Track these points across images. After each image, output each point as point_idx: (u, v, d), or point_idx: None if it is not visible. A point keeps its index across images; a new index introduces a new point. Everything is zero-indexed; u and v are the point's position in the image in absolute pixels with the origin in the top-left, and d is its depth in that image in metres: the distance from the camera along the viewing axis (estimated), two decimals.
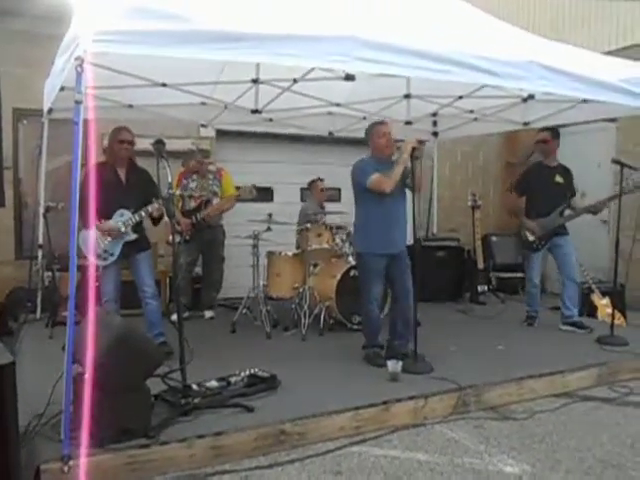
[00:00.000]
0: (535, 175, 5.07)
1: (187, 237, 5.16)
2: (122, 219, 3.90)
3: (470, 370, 3.70)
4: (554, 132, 5.04)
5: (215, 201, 5.21)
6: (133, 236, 3.95)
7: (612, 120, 6.44)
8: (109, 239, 3.90)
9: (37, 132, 5.20)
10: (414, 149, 3.76)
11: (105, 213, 3.79)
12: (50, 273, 5.08)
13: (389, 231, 3.90)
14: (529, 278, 5.15)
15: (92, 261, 3.78)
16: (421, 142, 3.85)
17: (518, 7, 8.31)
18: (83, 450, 2.41)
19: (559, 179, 4.99)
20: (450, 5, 4.16)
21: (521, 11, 8.31)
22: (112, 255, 3.92)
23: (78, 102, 2.47)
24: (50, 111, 4.57)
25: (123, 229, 3.90)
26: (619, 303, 5.45)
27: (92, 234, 3.81)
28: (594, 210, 4.91)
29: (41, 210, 5.07)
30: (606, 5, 7.38)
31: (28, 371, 3.43)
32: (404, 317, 3.93)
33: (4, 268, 5.67)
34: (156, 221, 4.05)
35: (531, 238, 5.00)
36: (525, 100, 4.88)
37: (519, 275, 7.20)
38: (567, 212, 4.99)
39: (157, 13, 2.57)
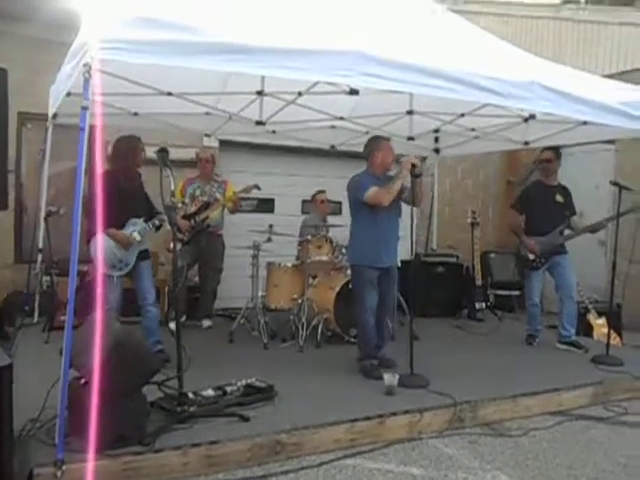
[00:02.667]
0: (535, 193, 5.10)
1: (185, 239, 5.18)
2: (137, 228, 3.90)
3: (466, 386, 3.70)
4: (557, 152, 5.08)
5: (216, 205, 5.26)
6: (146, 245, 3.96)
7: (611, 142, 6.51)
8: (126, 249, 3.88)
9: (41, 136, 5.23)
10: (414, 166, 3.80)
11: (119, 222, 3.79)
12: (49, 277, 5.09)
13: (382, 245, 3.99)
14: (529, 297, 5.13)
15: (110, 270, 3.78)
16: (421, 160, 3.89)
17: (520, 29, 8.43)
18: (77, 455, 2.41)
19: (559, 198, 5.03)
20: (454, 25, 4.24)
21: (523, 33, 8.44)
22: (127, 265, 3.90)
23: (85, 108, 2.50)
24: (55, 116, 4.62)
25: (139, 238, 3.88)
26: (615, 323, 5.47)
27: (108, 242, 3.78)
28: (593, 230, 4.93)
29: (42, 214, 5.08)
30: (607, 29, 7.50)
31: (24, 375, 3.40)
32: (380, 327, 4.10)
33: (3, 271, 5.67)
34: (158, 228, 4.06)
35: (531, 257, 5.00)
36: (526, 120, 4.93)
37: (516, 293, 7.23)
38: (567, 231, 5.02)
39: (165, 24, 2.63)
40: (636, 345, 5.39)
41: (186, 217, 5.20)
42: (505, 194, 8.50)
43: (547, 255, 4.97)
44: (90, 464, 2.42)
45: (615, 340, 5.26)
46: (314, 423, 3.01)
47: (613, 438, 3.35)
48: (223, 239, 5.54)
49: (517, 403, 3.62)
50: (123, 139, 4.00)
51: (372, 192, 3.87)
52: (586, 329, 5.59)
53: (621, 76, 5.67)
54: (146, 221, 3.92)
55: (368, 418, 3.14)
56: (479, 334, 5.68)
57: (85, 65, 2.49)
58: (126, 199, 3.78)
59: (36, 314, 5.23)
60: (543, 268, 5.04)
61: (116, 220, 3.65)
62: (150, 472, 2.58)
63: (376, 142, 4.15)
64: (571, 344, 4.94)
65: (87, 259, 3.75)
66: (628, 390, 4.08)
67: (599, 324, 5.62)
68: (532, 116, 4.73)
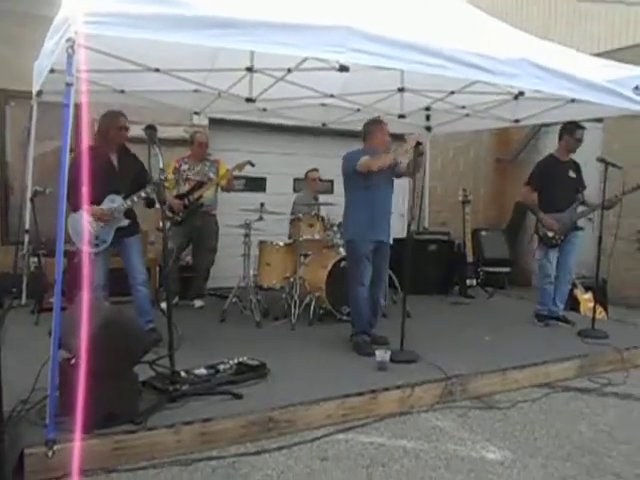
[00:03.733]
0: (550, 169, 4.97)
1: (178, 218, 5.14)
2: (113, 205, 3.87)
3: (456, 361, 3.76)
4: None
5: (209, 184, 5.22)
6: (125, 222, 3.92)
7: (599, 120, 6.52)
8: (101, 224, 3.85)
9: (25, 114, 5.12)
10: (418, 144, 3.87)
11: (96, 198, 3.74)
12: (36, 259, 5.04)
13: (376, 219, 4.05)
14: (546, 274, 4.98)
15: (87, 246, 3.74)
16: (419, 144, 3.93)
17: (509, 5, 8.35)
18: (68, 435, 2.42)
19: (572, 174, 4.98)
20: (444, 2, 4.17)
21: (512, 9, 8.36)
22: (104, 242, 3.87)
23: (69, 84, 2.44)
24: (39, 93, 4.50)
25: (115, 215, 3.87)
26: (601, 298, 5.55)
27: (84, 218, 3.75)
28: (608, 205, 4.76)
29: (28, 194, 5.00)
30: (596, 7, 7.45)
31: (13, 357, 3.38)
32: (374, 304, 4.16)
33: None
34: (150, 203, 4.02)
35: (550, 234, 4.90)
36: (516, 97, 4.91)
37: (506, 270, 7.31)
38: (580, 208, 4.96)
39: None
40: (620, 319, 5.49)
41: (179, 197, 5.17)
42: (495, 172, 8.52)
43: (565, 232, 4.90)
44: (81, 443, 2.43)
45: (601, 314, 5.36)
46: (307, 399, 3.05)
47: (597, 408, 3.44)
48: (217, 219, 5.51)
49: (506, 376, 3.69)
50: (104, 115, 3.95)
51: (363, 160, 3.95)
52: (573, 304, 5.67)
53: (610, 54, 5.66)
54: (126, 197, 3.87)
55: (360, 394, 3.19)
56: (470, 310, 5.74)
57: (68, 40, 2.42)
58: (105, 175, 3.73)
59: (24, 296, 5.20)
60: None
61: (93, 196, 3.60)
62: (143, 450, 2.61)
63: (373, 125, 4.20)
64: (558, 318, 5.01)
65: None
66: (612, 362, 4.18)
67: (586, 299, 5.71)
68: (521, 93, 4.71)
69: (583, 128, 4.90)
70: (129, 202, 3.86)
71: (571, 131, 4.89)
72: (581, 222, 5.06)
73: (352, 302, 4.20)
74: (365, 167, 3.94)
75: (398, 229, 4.29)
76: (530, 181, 5.04)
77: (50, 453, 2.39)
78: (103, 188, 3.77)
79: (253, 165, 5.14)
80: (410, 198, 7.54)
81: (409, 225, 4.02)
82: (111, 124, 3.89)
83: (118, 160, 3.97)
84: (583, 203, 4.98)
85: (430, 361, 3.69)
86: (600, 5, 7.50)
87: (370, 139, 4.14)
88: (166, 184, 4.06)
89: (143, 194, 3.82)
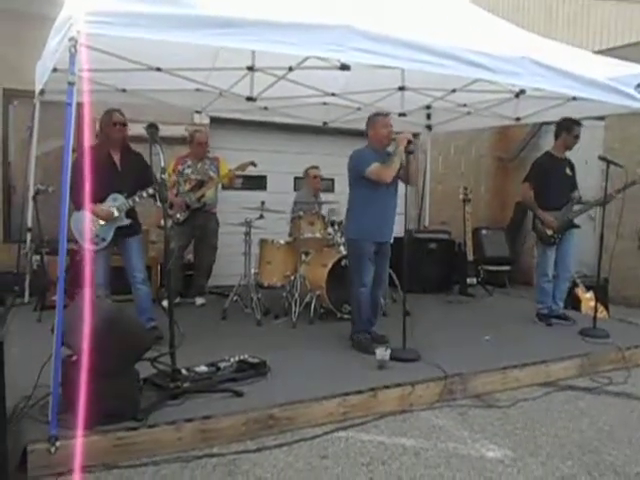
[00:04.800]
0: (548, 166, 4.93)
1: (180, 218, 5.15)
2: (116, 204, 3.88)
3: (457, 359, 3.76)
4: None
5: (211, 183, 5.23)
6: (127, 221, 3.94)
7: (600, 118, 6.51)
8: (102, 223, 3.87)
9: (28, 114, 5.15)
10: (409, 142, 3.83)
11: (98, 197, 3.76)
12: (39, 257, 5.06)
13: (381, 220, 4.02)
14: (544, 272, 4.95)
15: (88, 244, 3.77)
16: (414, 136, 3.90)
17: (511, 4, 8.35)
18: (70, 431, 2.44)
19: (568, 171, 4.97)
20: (445, 0, 4.17)
21: (515, 8, 8.36)
22: (104, 240, 3.90)
23: (71, 83, 2.46)
24: (42, 92, 4.53)
25: (117, 214, 3.88)
26: (602, 297, 5.55)
27: (86, 216, 3.77)
28: (603, 203, 4.73)
29: (30, 193, 5.03)
30: (597, 5, 7.45)
31: (16, 354, 3.41)
32: (375, 303, 4.15)
33: None
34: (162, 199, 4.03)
35: (549, 232, 4.87)
36: (517, 95, 4.92)
37: (507, 268, 7.31)
38: (577, 206, 4.94)
39: None
40: (622, 318, 5.49)
41: (180, 196, 5.17)
42: (496, 171, 8.52)
43: (564, 230, 4.88)
44: (83, 440, 2.45)
45: (602, 313, 5.36)
46: (307, 397, 3.06)
47: (598, 407, 3.44)
48: (217, 217, 5.52)
49: (506, 375, 3.70)
50: (103, 114, 3.97)
51: (374, 168, 3.90)
52: (574, 302, 5.67)
53: (611, 52, 5.65)
54: (129, 197, 3.89)
55: (360, 392, 3.19)
56: (471, 309, 5.75)
57: (71, 39, 2.43)
58: (106, 174, 3.75)
59: (27, 294, 5.22)
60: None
61: (95, 195, 3.62)
62: (144, 447, 2.62)
63: (372, 118, 4.15)
64: (558, 317, 5.01)
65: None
66: (613, 361, 4.18)
67: (587, 298, 5.71)
68: (522, 91, 4.72)
69: (580, 125, 4.88)
70: (131, 201, 3.88)
71: (569, 128, 4.86)
72: (582, 220, 5.05)
73: (353, 302, 4.20)
74: (378, 177, 3.88)
75: (398, 227, 4.28)
76: (528, 179, 5.01)
77: (52, 449, 2.40)
78: (105, 187, 3.79)
79: (255, 165, 5.15)
80: (410, 196, 7.58)
81: (405, 224, 3.99)
82: (106, 122, 3.92)
83: (121, 159, 3.98)
84: (579, 201, 4.97)
85: (430, 359, 3.69)
86: (602, 3, 7.50)
87: (370, 134, 4.09)
88: (167, 183, 4.08)
89: (145, 194, 3.83)
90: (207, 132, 5.76)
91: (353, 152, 4.11)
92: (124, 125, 3.95)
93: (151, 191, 3.81)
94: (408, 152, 3.86)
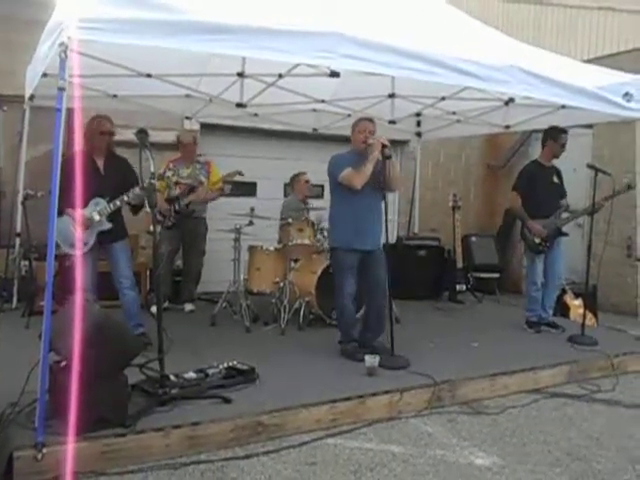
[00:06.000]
0: (536, 174, 4.96)
1: (169, 223, 5.13)
2: (97, 208, 3.86)
3: (445, 366, 3.77)
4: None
5: (200, 190, 5.21)
6: (108, 225, 3.90)
7: (589, 126, 6.59)
8: (82, 228, 3.83)
9: (17, 119, 5.11)
10: (384, 147, 3.79)
11: (80, 201, 3.74)
12: (27, 262, 5.02)
13: (361, 227, 3.93)
14: (533, 281, 4.97)
15: (69, 248, 3.74)
16: (404, 143, 3.89)
17: (500, 13, 8.46)
18: (57, 438, 2.42)
19: (556, 179, 5.01)
20: (435, 8, 4.22)
21: (503, 17, 8.47)
22: (85, 244, 3.86)
23: (61, 89, 2.46)
24: (32, 98, 4.51)
25: (97, 218, 3.84)
26: (591, 304, 5.60)
27: (67, 221, 3.74)
28: (592, 211, 4.76)
29: (20, 198, 4.99)
30: (586, 14, 7.56)
31: (3, 360, 3.39)
32: (377, 312, 4.02)
33: None
34: (136, 209, 4.01)
35: (538, 241, 4.87)
36: (506, 103, 4.97)
37: (496, 275, 7.35)
38: (565, 214, 4.97)
39: (144, 2, 2.58)
40: (610, 325, 5.54)
41: (169, 200, 5.16)
42: (485, 178, 8.59)
43: (552, 238, 4.89)
44: (70, 446, 2.43)
45: (591, 321, 5.40)
46: (295, 404, 3.05)
47: (586, 415, 3.46)
48: (206, 221, 5.51)
49: (495, 382, 3.71)
50: (89, 120, 3.95)
51: (345, 173, 3.86)
52: (563, 309, 5.71)
53: (599, 61, 5.73)
54: (111, 200, 3.87)
55: (349, 398, 3.19)
56: (460, 316, 5.77)
57: (61, 45, 2.43)
58: (90, 179, 3.72)
59: (15, 299, 5.17)
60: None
61: (77, 200, 3.60)
62: (131, 453, 2.60)
63: (354, 122, 4.13)
64: (547, 324, 5.04)
65: None
66: (601, 369, 4.21)
67: (575, 305, 5.74)
68: (511, 99, 4.77)
69: (566, 132, 4.91)
70: (112, 206, 3.86)
71: (555, 137, 4.89)
72: (570, 228, 5.09)
73: (337, 312, 4.19)
74: (348, 183, 3.84)
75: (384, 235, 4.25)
76: (516, 187, 5.02)
77: (39, 456, 2.38)
78: (88, 192, 3.75)
79: (242, 175, 5.14)
80: (399, 203, 7.61)
81: (386, 231, 3.93)
82: (94, 129, 3.90)
83: (104, 164, 3.96)
84: (567, 209, 5.00)
85: (419, 366, 3.69)
86: (589, 12, 7.61)
87: (352, 136, 4.06)
88: (158, 186, 4.07)
89: (125, 198, 3.81)
90: (195, 135, 5.74)
91: (332, 157, 4.05)
92: (112, 134, 3.93)
93: (132, 195, 3.76)
94: (385, 157, 3.80)
